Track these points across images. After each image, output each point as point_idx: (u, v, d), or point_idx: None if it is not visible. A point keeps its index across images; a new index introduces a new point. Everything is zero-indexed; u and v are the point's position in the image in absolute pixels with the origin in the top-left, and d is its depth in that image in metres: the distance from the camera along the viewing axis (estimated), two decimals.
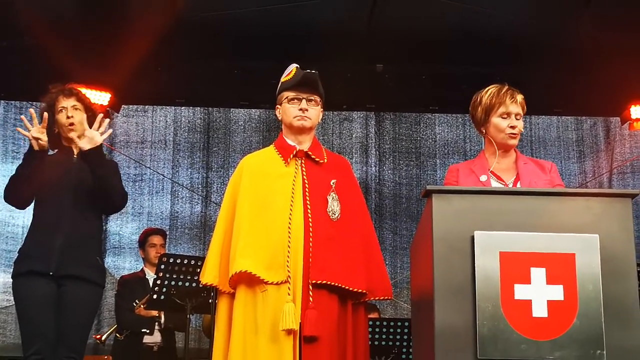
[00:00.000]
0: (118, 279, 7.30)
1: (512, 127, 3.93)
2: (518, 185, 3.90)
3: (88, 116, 4.56)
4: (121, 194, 4.61)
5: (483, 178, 3.90)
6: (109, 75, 7.20)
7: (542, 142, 8.63)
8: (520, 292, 2.92)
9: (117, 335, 6.64)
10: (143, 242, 6.97)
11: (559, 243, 2.96)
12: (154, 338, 6.58)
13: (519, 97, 3.98)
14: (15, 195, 4.53)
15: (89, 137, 4.39)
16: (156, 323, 6.57)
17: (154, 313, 6.49)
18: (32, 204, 4.55)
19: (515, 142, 3.98)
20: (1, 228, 8.10)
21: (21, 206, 4.65)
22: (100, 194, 4.45)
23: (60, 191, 4.43)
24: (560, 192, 3.23)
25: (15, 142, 8.14)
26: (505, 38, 7.15)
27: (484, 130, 4.03)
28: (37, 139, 4.37)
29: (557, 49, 7.15)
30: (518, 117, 3.96)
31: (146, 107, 8.57)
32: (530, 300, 2.91)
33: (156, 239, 6.92)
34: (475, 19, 7.10)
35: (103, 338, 6.71)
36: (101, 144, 4.47)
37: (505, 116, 3.95)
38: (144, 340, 6.55)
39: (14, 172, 4.53)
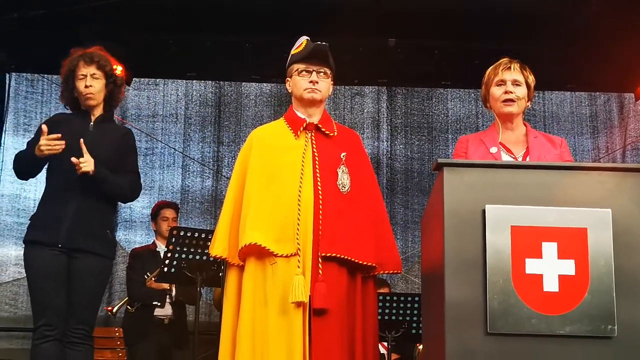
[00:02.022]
0: (129, 251, 7.30)
1: (507, 93, 3.92)
2: (527, 158, 3.88)
3: (108, 83, 4.56)
4: (128, 195, 4.68)
5: (493, 150, 3.89)
6: (120, 48, 7.18)
7: (556, 118, 8.57)
8: (532, 266, 2.90)
9: (128, 307, 6.65)
10: (155, 214, 6.98)
11: (571, 217, 2.94)
12: (165, 311, 6.59)
13: (514, 65, 3.96)
14: (23, 175, 4.66)
15: (89, 161, 4.36)
16: (167, 296, 6.58)
17: (165, 286, 6.49)
18: (46, 170, 4.58)
19: (511, 109, 3.95)
20: (13, 201, 8.10)
21: (30, 178, 4.74)
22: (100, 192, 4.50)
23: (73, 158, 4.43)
24: (572, 166, 3.20)
25: (27, 114, 8.14)
26: (518, 13, 7.09)
27: (489, 106, 4.03)
28: (41, 149, 4.38)
29: (571, 24, 7.09)
30: (517, 83, 3.94)
31: (157, 80, 8.55)
32: (542, 274, 2.89)
33: (168, 212, 6.92)
34: None
35: (114, 310, 6.73)
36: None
37: (501, 83, 3.96)
38: (155, 313, 6.56)
39: (20, 151, 4.62)
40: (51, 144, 4.32)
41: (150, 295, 6.52)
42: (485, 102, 4.08)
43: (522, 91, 3.95)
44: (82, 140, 4.32)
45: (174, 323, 6.63)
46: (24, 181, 4.90)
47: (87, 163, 4.31)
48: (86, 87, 4.51)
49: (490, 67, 4.05)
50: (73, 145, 4.36)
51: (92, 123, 4.55)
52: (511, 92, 3.92)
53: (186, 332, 6.73)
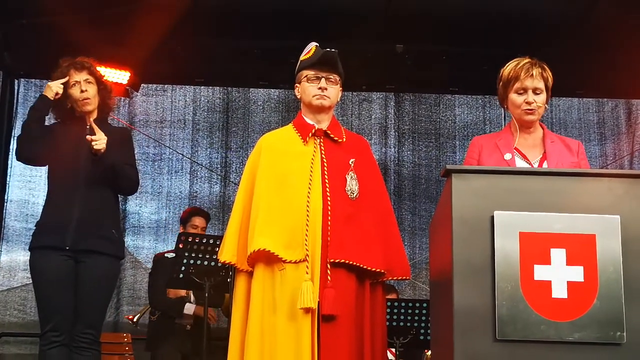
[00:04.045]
0: (153, 257, 7.25)
1: (528, 103, 3.87)
2: (544, 164, 3.85)
3: (100, 89, 4.58)
4: (134, 185, 4.68)
5: (507, 156, 3.86)
6: (128, 54, 7.20)
7: (563, 124, 8.56)
8: (540, 272, 2.90)
9: (151, 316, 6.61)
10: (185, 220, 6.80)
11: (580, 224, 2.94)
12: (186, 317, 6.54)
13: (536, 71, 3.86)
14: (27, 150, 4.54)
15: (101, 139, 4.40)
16: (185, 303, 6.49)
17: (182, 293, 6.43)
18: (47, 177, 4.58)
19: (532, 117, 3.90)
20: (21, 207, 8.12)
21: (35, 160, 4.71)
22: (110, 179, 4.51)
23: (74, 163, 4.46)
24: (581, 173, 3.19)
25: None
26: (526, 19, 7.09)
27: (506, 107, 3.98)
28: (56, 91, 4.41)
29: (579, 30, 7.08)
30: (537, 91, 3.87)
31: (165, 86, 8.57)
32: (550, 281, 2.89)
33: (198, 221, 6.68)
34: None
35: (135, 319, 6.69)
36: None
37: (521, 91, 3.88)
38: (177, 320, 6.50)
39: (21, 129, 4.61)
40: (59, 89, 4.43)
41: (168, 307, 6.45)
42: (502, 101, 4.01)
43: (542, 99, 3.88)
44: (91, 120, 4.41)
45: (196, 328, 6.56)
46: (30, 164, 4.90)
47: (99, 141, 4.34)
48: (82, 92, 4.53)
49: (510, 65, 3.93)
50: (71, 151, 4.40)
51: (88, 127, 4.55)
52: (532, 102, 3.86)
53: (208, 336, 6.66)
